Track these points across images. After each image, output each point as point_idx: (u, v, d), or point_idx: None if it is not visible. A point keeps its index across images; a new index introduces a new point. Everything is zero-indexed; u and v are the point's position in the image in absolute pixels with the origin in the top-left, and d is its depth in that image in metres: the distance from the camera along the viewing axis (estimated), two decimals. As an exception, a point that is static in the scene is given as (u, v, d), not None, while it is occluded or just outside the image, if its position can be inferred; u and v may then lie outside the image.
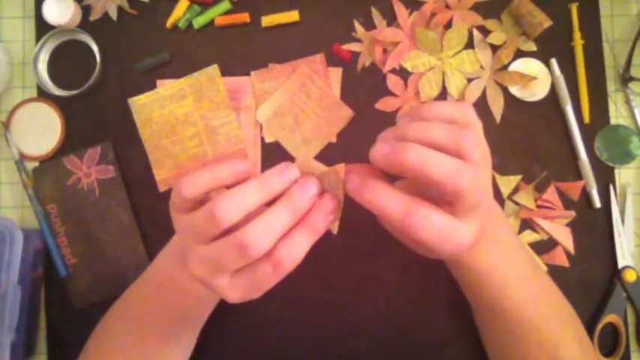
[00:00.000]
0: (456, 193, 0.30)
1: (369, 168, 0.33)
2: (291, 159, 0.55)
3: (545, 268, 0.53)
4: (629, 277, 0.51)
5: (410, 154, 0.29)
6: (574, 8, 0.54)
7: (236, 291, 0.32)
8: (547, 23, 0.52)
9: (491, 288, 0.41)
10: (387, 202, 0.31)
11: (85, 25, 0.57)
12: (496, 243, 0.40)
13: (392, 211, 0.30)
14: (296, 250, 0.31)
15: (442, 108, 0.33)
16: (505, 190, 0.53)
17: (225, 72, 0.56)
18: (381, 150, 0.30)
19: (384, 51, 0.55)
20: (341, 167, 0.34)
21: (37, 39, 0.57)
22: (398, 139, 0.31)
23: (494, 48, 0.55)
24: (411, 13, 0.55)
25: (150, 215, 0.55)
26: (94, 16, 0.57)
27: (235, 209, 0.30)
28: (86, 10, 0.57)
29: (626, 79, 0.54)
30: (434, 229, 0.30)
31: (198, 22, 0.56)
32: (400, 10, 0.55)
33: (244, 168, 0.33)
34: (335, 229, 0.36)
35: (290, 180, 0.31)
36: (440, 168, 0.29)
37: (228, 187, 0.32)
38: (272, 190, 0.31)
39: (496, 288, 0.41)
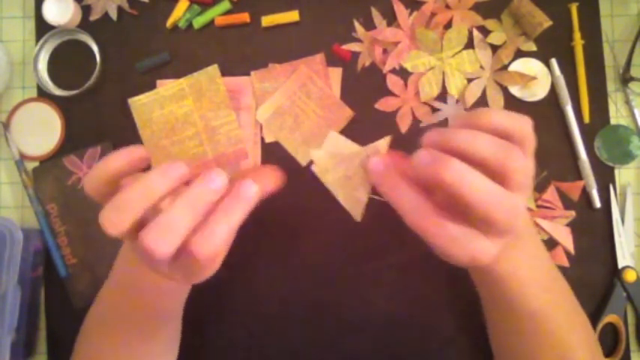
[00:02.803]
0: (488, 219, 0.29)
1: (400, 160, 0.32)
2: (291, 159, 0.55)
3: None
4: (629, 277, 0.51)
5: (449, 170, 0.28)
6: (574, 8, 0.54)
7: (177, 276, 0.32)
8: (547, 23, 0.52)
9: (509, 293, 0.40)
10: (404, 200, 0.30)
11: (85, 25, 0.57)
12: (518, 249, 0.39)
13: (405, 209, 0.30)
14: (210, 240, 0.29)
15: (499, 118, 0.31)
16: (505, 190, 0.53)
17: (225, 72, 0.56)
18: (422, 158, 0.29)
19: (384, 51, 0.55)
20: (383, 143, 0.33)
21: (37, 39, 0.57)
22: (443, 144, 0.30)
23: (494, 48, 0.55)
24: (411, 13, 0.55)
25: (150, 215, 0.55)
26: (94, 16, 0.57)
27: (122, 220, 0.28)
28: (86, 10, 0.57)
29: (626, 79, 0.54)
30: (444, 237, 0.29)
31: (198, 22, 0.56)
32: (400, 10, 0.55)
33: (136, 154, 0.31)
34: (358, 217, 0.35)
35: (175, 177, 0.30)
36: (477, 191, 0.28)
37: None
38: (157, 193, 0.29)
39: (515, 294, 0.40)
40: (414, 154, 0.30)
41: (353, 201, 0.35)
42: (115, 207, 0.29)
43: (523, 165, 0.29)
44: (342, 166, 0.34)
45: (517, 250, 0.39)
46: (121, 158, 0.31)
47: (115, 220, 0.28)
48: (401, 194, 0.31)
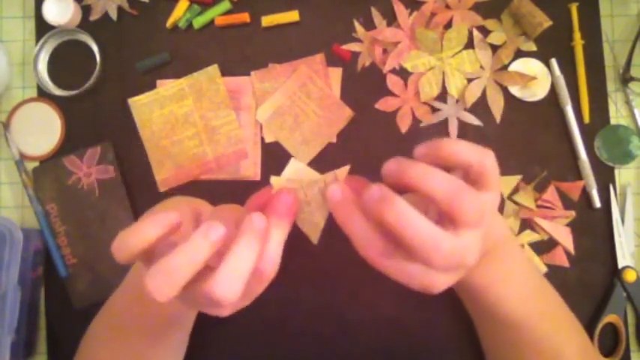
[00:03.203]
0: (428, 262, 0.29)
1: (361, 187, 0.33)
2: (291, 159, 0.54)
3: (544, 269, 0.52)
4: (629, 277, 0.51)
5: (392, 211, 0.29)
6: (574, 8, 0.54)
7: (194, 306, 0.32)
8: (547, 23, 0.52)
9: (489, 304, 0.41)
10: (354, 229, 0.31)
11: (85, 25, 0.57)
12: (494, 264, 0.39)
13: (355, 240, 0.31)
14: (224, 284, 0.29)
15: (459, 149, 0.31)
16: (505, 190, 0.53)
17: (225, 72, 0.56)
18: (372, 194, 0.30)
19: (384, 51, 0.55)
20: (342, 172, 0.34)
21: (37, 39, 0.57)
22: (398, 176, 0.30)
23: (495, 48, 0.55)
24: (411, 13, 0.55)
25: (150, 215, 0.55)
26: (94, 16, 0.57)
27: (171, 287, 0.28)
28: (86, 10, 0.57)
29: (626, 79, 0.54)
30: (393, 267, 0.30)
31: (198, 22, 0.56)
32: (400, 10, 0.55)
33: (170, 220, 0.30)
34: (315, 240, 0.37)
35: (217, 240, 0.29)
36: (416, 235, 0.28)
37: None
38: (202, 258, 0.29)
39: (494, 305, 0.40)
40: (368, 188, 0.30)
41: (311, 225, 0.37)
42: (161, 273, 0.28)
43: (473, 204, 0.29)
44: (300, 192, 0.36)
45: (493, 265, 0.39)
46: (154, 228, 0.30)
47: (163, 287, 0.28)
48: (354, 227, 0.31)
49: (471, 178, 0.32)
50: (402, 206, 0.29)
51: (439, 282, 0.30)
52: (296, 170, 0.36)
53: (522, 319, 0.41)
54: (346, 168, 0.36)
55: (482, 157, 0.32)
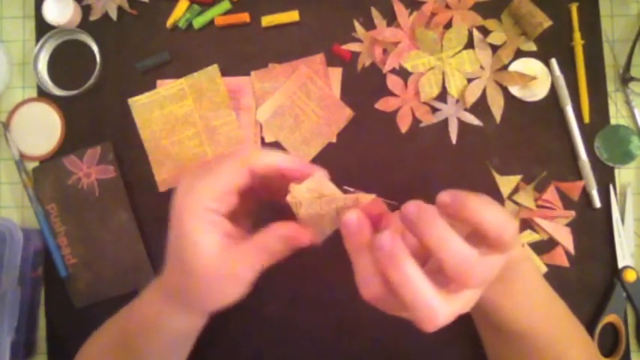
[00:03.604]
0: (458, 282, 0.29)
1: (379, 215, 0.34)
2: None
3: (544, 269, 0.52)
4: (629, 277, 0.51)
5: (432, 230, 0.29)
6: (574, 8, 0.54)
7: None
8: (547, 23, 0.52)
9: (499, 319, 0.40)
10: (360, 263, 0.33)
11: (85, 25, 0.57)
12: (509, 279, 0.38)
13: (359, 273, 0.33)
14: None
15: (482, 215, 0.30)
16: (505, 190, 0.53)
17: (225, 72, 0.56)
18: (410, 211, 0.30)
19: (384, 51, 0.55)
20: (365, 198, 0.34)
21: (37, 39, 0.57)
22: (420, 219, 0.30)
23: (495, 48, 0.55)
24: (411, 13, 0.55)
25: (150, 215, 0.55)
26: (94, 16, 0.57)
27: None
28: (86, 10, 0.57)
29: (626, 79, 0.54)
30: (388, 306, 0.32)
31: (198, 22, 0.56)
32: (400, 10, 0.55)
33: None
34: (318, 242, 0.37)
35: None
36: (452, 258, 0.28)
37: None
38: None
39: (505, 320, 0.40)
40: (403, 207, 0.30)
41: (319, 232, 0.37)
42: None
43: (480, 279, 0.29)
44: (317, 204, 0.35)
45: (507, 282, 0.38)
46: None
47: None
48: (359, 261, 0.32)
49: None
50: (442, 228, 0.29)
51: (442, 314, 0.29)
52: (319, 183, 0.36)
53: (531, 332, 0.40)
54: (371, 196, 0.35)
55: (506, 231, 0.31)
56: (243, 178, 0.35)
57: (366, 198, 0.36)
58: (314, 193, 0.35)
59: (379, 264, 0.30)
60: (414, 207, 0.30)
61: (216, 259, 0.35)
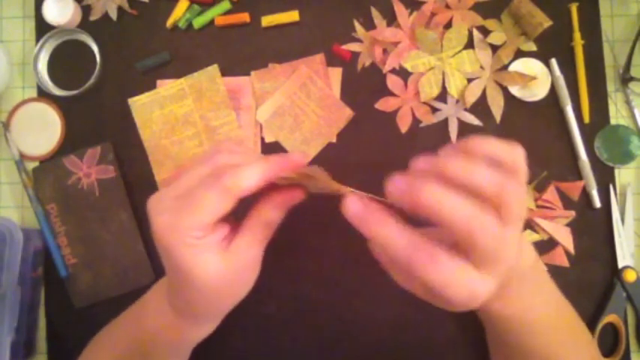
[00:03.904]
0: (473, 245, 0.27)
1: (371, 201, 0.32)
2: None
3: (544, 269, 0.52)
4: (629, 277, 0.51)
5: (426, 192, 0.27)
6: (574, 8, 0.54)
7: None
8: (547, 23, 0.52)
9: (518, 334, 0.39)
10: (392, 234, 0.28)
11: (85, 25, 0.57)
12: (524, 290, 0.37)
13: (396, 245, 0.28)
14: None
15: (492, 147, 0.30)
16: (505, 190, 0.53)
17: (225, 72, 0.56)
18: (397, 184, 0.28)
19: (384, 51, 0.55)
20: (346, 190, 0.33)
21: (37, 39, 0.57)
22: (434, 171, 0.29)
23: (495, 48, 0.55)
24: (411, 13, 0.55)
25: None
26: (94, 16, 0.57)
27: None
28: (86, 10, 0.57)
29: (626, 79, 0.54)
30: (441, 271, 0.27)
31: (198, 22, 0.56)
32: (400, 10, 0.55)
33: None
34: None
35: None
36: (458, 213, 0.27)
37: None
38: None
39: (524, 334, 0.39)
40: (388, 183, 0.29)
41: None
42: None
43: (519, 195, 0.28)
44: (312, 183, 0.35)
45: (524, 291, 0.37)
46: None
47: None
48: (389, 229, 0.29)
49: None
50: (436, 186, 0.27)
51: (478, 282, 0.28)
52: (315, 171, 0.35)
53: (547, 344, 0.40)
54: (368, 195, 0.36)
55: (516, 154, 0.30)
56: (229, 205, 0.34)
57: (362, 195, 0.36)
58: (304, 176, 0.35)
59: (405, 202, 0.28)
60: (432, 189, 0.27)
61: (222, 271, 0.34)
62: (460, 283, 0.28)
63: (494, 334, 0.44)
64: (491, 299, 0.32)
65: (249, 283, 0.38)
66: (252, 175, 0.33)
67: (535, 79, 0.54)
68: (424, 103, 0.54)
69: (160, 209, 0.34)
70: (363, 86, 0.55)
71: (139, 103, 0.56)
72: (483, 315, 0.42)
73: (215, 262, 0.34)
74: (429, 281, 0.28)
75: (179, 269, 0.34)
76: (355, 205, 0.30)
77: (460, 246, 0.29)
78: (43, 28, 0.57)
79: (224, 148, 0.37)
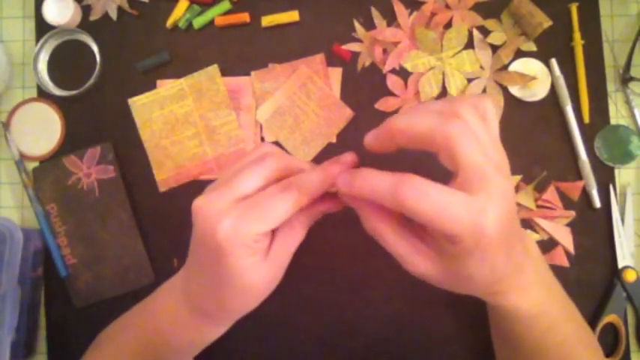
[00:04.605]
0: (448, 148, 0.30)
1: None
2: None
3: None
4: (629, 277, 0.51)
5: (392, 121, 0.32)
6: (574, 8, 0.54)
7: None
8: (547, 23, 0.52)
9: (538, 330, 0.39)
10: (376, 181, 0.31)
11: (85, 25, 0.57)
12: (538, 278, 0.38)
13: (382, 188, 0.30)
14: None
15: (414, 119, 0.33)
16: (505, 190, 0.53)
17: (225, 72, 0.56)
18: (370, 137, 0.34)
19: (384, 51, 0.55)
20: None
21: (37, 39, 0.57)
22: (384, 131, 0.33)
23: (495, 48, 0.55)
24: (411, 13, 0.55)
25: (150, 215, 0.55)
26: (94, 16, 0.57)
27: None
28: (86, 10, 0.57)
29: (626, 79, 0.54)
30: (429, 201, 0.28)
31: (198, 22, 0.56)
32: (400, 10, 0.55)
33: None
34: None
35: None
36: (424, 122, 0.30)
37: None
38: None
39: (544, 330, 0.39)
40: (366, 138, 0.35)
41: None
42: None
43: (466, 128, 0.30)
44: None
45: (537, 283, 0.38)
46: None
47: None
48: (372, 177, 0.32)
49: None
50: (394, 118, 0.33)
51: (471, 204, 0.29)
52: None
53: (563, 341, 0.40)
54: None
55: (452, 105, 0.33)
56: (295, 211, 0.35)
57: None
58: None
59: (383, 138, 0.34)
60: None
61: (264, 276, 0.36)
62: (450, 211, 0.28)
63: (505, 329, 0.43)
64: (508, 291, 0.35)
65: (274, 286, 0.39)
66: (318, 182, 0.34)
67: (535, 79, 0.54)
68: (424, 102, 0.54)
69: (220, 212, 0.34)
70: (363, 86, 0.55)
71: (139, 103, 0.56)
72: (497, 309, 0.41)
73: (261, 267, 0.35)
74: (420, 215, 0.29)
75: (228, 272, 0.34)
76: (343, 180, 0.33)
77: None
78: (43, 28, 0.57)
79: (272, 150, 0.38)
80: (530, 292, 0.37)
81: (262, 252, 0.35)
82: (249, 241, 0.33)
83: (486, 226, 0.29)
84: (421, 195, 0.29)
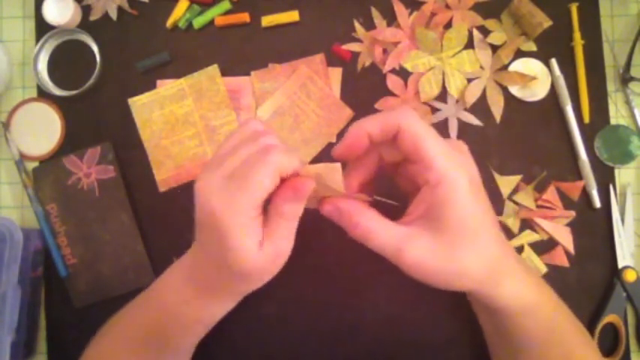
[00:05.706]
0: (400, 131, 0.36)
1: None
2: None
3: (544, 269, 0.52)
4: (629, 277, 0.51)
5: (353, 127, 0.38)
6: (574, 8, 0.54)
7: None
8: (547, 23, 0.52)
9: (519, 320, 0.40)
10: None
11: (85, 25, 0.57)
12: (520, 266, 0.39)
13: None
14: None
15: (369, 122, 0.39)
16: (505, 190, 0.53)
17: (225, 72, 0.56)
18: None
19: (384, 51, 0.55)
20: (362, 198, 0.38)
21: (37, 39, 0.57)
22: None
23: (495, 48, 0.55)
24: (411, 13, 0.55)
25: (150, 215, 0.55)
26: (94, 16, 0.57)
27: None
28: (86, 10, 0.57)
29: (626, 79, 0.54)
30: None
31: (198, 22, 0.56)
32: (400, 10, 0.55)
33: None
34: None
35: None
36: (385, 116, 0.37)
37: None
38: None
39: (525, 319, 0.40)
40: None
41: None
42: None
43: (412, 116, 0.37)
44: (318, 187, 0.36)
45: (519, 275, 0.39)
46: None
47: None
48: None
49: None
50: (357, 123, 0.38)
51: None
52: (330, 174, 0.36)
53: (548, 328, 0.41)
54: (368, 197, 0.39)
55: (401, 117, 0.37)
56: (275, 184, 0.36)
57: (364, 199, 0.37)
58: (319, 177, 0.36)
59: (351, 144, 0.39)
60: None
61: (261, 253, 0.36)
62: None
63: (495, 326, 0.44)
64: (500, 275, 0.37)
65: (281, 264, 0.39)
66: (291, 163, 0.36)
67: (535, 79, 0.54)
68: (424, 103, 0.54)
69: (213, 190, 0.35)
70: (363, 86, 0.55)
71: (139, 103, 0.56)
72: (485, 307, 0.42)
73: (257, 246, 0.36)
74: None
75: (227, 253, 0.35)
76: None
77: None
78: (43, 28, 0.57)
79: (257, 125, 0.40)
80: (518, 278, 0.39)
81: (258, 229, 0.36)
82: (242, 215, 0.34)
83: (460, 175, 0.36)
84: (418, 139, 0.38)
